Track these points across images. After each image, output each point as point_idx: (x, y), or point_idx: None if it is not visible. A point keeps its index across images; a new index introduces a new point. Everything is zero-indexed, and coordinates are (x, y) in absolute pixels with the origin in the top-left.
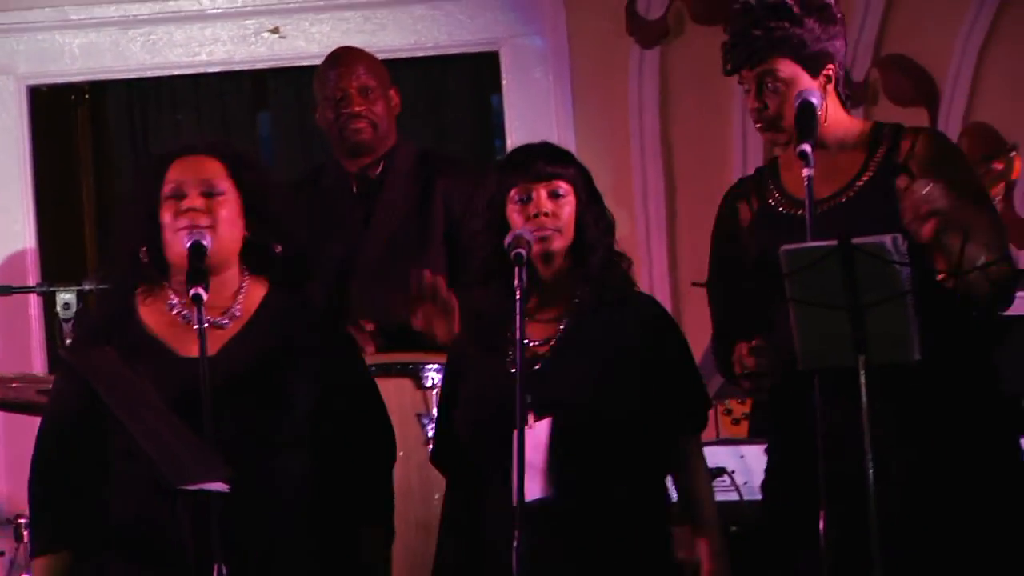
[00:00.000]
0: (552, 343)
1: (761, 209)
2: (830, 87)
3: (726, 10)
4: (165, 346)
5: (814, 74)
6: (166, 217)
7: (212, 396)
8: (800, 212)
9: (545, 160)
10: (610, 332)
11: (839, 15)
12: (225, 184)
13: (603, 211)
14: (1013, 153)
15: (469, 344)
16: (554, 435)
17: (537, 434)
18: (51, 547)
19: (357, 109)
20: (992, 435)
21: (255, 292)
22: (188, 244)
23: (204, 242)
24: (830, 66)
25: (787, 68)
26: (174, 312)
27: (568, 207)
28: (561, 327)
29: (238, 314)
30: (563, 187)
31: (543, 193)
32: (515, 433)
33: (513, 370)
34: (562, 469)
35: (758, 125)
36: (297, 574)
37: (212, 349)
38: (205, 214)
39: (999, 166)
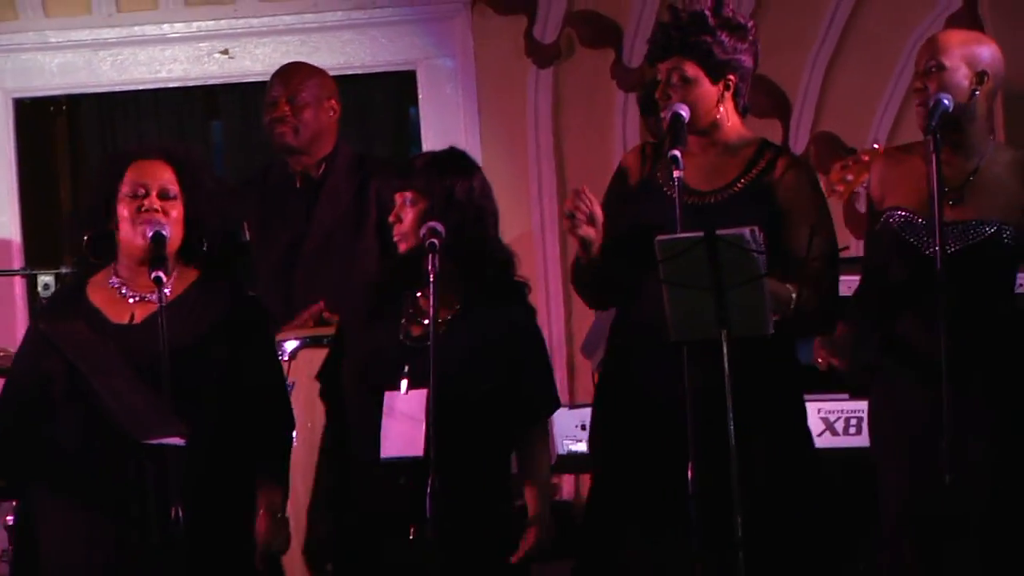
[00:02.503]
0: (443, 328)
1: (649, 178)
2: (728, 94)
3: (610, 35)
4: (102, 315)
5: (714, 80)
6: (124, 211)
7: (145, 361)
8: (689, 200)
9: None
10: (485, 326)
11: (752, 37)
12: (176, 189)
13: (474, 211)
14: (877, 145)
15: (363, 311)
16: (428, 403)
17: (411, 401)
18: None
19: (278, 115)
20: (791, 396)
21: (185, 277)
22: (150, 233)
23: (164, 232)
24: (731, 76)
25: (692, 70)
26: (114, 288)
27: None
28: (450, 314)
29: (167, 292)
30: (410, 197)
31: (400, 202)
32: (387, 395)
33: (405, 341)
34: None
35: (662, 113)
36: (220, 521)
37: (140, 318)
38: (162, 213)
39: (865, 158)
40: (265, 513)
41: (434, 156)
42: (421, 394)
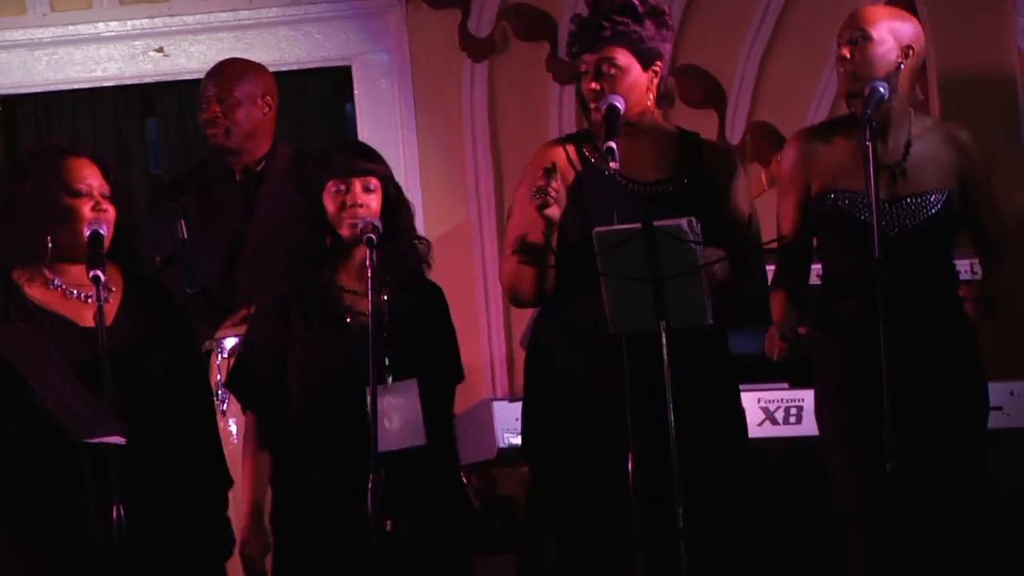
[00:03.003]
0: (388, 317)
1: (587, 169)
2: (656, 80)
3: (544, 28)
4: (61, 317)
5: (645, 67)
6: (84, 209)
7: (112, 361)
8: (627, 184)
9: (359, 156)
10: (418, 307)
11: (671, 23)
12: (108, 189)
13: (405, 201)
14: None
15: (291, 316)
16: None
17: (407, 390)
18: None
19: (210, 116)
20: (727, 386)
21: (114, 273)
22: (88, 233)
23: (102, 231)
24: (659, 63)
25: (624, 58)
26: (57, 288)
27: (376, 200)
28: (388, 304)
29: (112, 288)
30: (374, 182)
31: (357, 186)
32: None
33: (357, 332)
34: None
35: (592, 105)
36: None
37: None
38: (107, 213)
39: None
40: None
41: (366, 146)
42: (413, 383)
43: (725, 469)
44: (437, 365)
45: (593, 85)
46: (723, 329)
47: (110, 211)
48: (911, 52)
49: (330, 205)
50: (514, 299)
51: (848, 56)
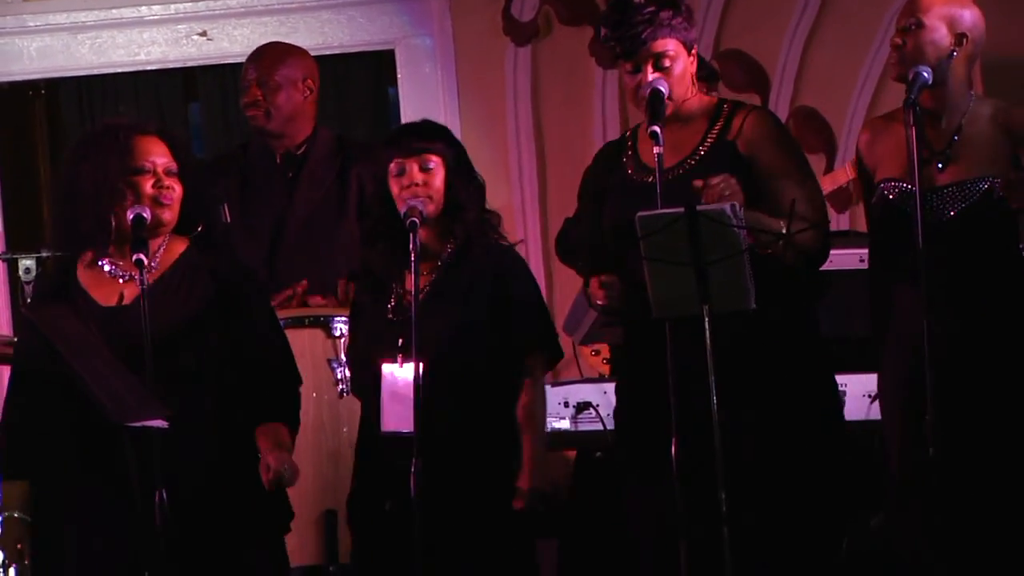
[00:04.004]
0: (421, 296)
1: (619, 176)
2: (694, 67)
3: (587, 12)
4: (90, 297)
5: (689, 53)
6: (146, 188)
7: (137, 342)
8: (651, 179)
9: (416, 137)
10: (466, 282)
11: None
12: (175, 166)
13: (473, 177)
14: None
15: (363, 295)
16: (424, 374)
17: (406, 374)
18: (14, 475)
19: (250, 99)
20: (812, 372)
21: (174, 249)
22: (131, 216)
23: (145, 215)
24: (695, 48)
25: (675, 47)
26: (102, 268)
27: (438, 177)
28: (428, 282)
29: (154, 267)
30: (433, 160)
31: (415, 166)
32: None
33: (391, 316)
34: (430, 404)
35: (642, 92)
36: (215, 500)
37: (129, 299)
38: (171, 190)
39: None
40: (272, 446)
41: (435, 124)
42: (408, 367)
43: (801, 456)
44: (462, 346)
45: (653, 74)
46: (808, 312)
47: (176, 188)
48: (965, 40)
49: (393, 186)
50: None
51: (900, 43)
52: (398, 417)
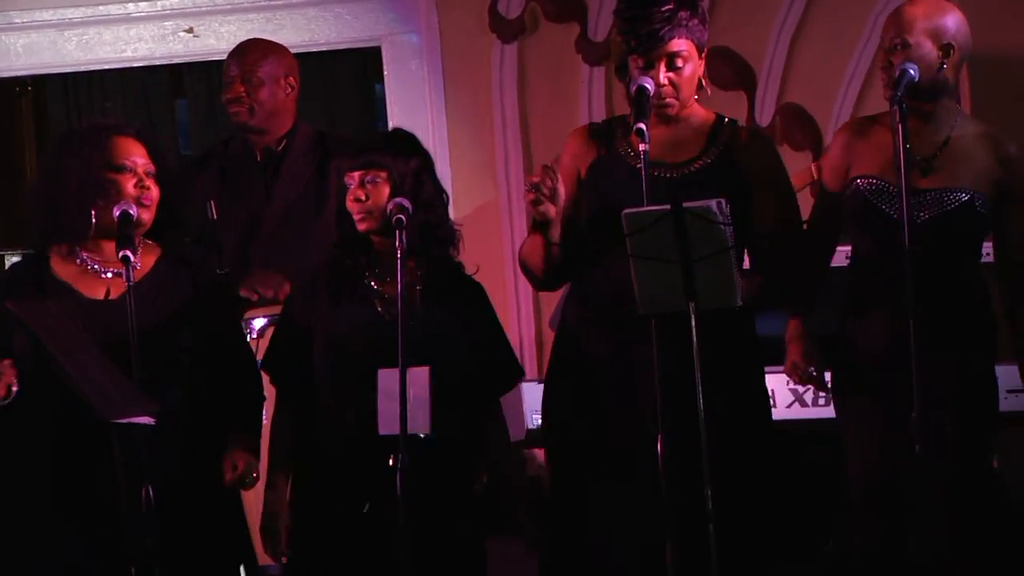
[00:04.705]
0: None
1: (610, 153)
2: (702, 69)
3: (574, 9)
4: (73, 290)
5: (700, 56)
6: (127, 186)
7: (120, 337)
8: (656, 173)
9: (369, 149)
10: (453, 300)
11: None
12: (152, 168)
13: (421, 193)
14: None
15: (322, 291)
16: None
17: (419, 376)
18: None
19: (233, 95)
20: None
21: (150, 254)
22: (118, 213)
23: (131, 212)
24: (705, 51)
25: (689, 48)
26: (81, 263)
27: (382, 193)
28: (418, 288)
29: (137, 266)
30: (379, 175)
31: (357, 181)
32: (380, 372)
33: (384, 318)
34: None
35: (642, 82)
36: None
37: (115, 294)
38: (151, 191)
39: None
40: (237, 450)
41: (394, 135)
42: (424, 371)
43: (750, 449)
44: (457, 360)
45: (668, 76)
46: (749, 309)
47: (153, 189)
48: (952, 50)
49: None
50: (529, 278)
51: (888, 65)
52: (397, 420)
